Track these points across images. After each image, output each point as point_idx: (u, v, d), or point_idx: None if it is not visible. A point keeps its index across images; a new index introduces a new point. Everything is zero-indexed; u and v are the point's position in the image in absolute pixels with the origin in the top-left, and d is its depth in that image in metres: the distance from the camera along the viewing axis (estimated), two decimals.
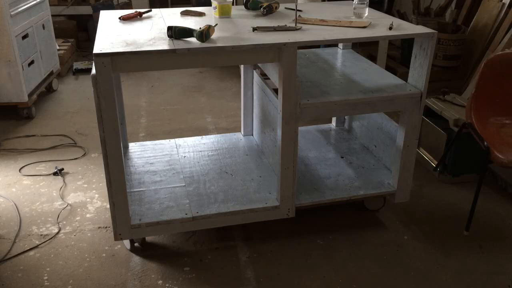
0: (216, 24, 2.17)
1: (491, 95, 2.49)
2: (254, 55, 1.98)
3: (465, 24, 4.23)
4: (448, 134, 2.82)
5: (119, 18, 2.35)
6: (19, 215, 2.54)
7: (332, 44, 2.92)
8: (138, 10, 2.42)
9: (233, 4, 2.43)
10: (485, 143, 2.27)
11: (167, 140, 2.88)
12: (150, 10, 2.49)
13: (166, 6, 5.86)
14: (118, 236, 2.12)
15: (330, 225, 2.48)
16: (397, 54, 4.53)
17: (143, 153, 2.72)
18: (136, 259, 2.24)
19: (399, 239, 2.40)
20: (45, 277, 2.13)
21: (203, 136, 2.94)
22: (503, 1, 3.82)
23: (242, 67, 2.87)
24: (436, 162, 2.91)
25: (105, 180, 1.99)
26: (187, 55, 1.90)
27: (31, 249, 2.30)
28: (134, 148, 2.79)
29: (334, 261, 2.24)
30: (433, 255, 2.30)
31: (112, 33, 2.07)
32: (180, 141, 2.87)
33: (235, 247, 2.33)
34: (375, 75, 2.43)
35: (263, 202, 2.28)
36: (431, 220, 2.54)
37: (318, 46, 3.30)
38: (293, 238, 2.38)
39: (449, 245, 2.36)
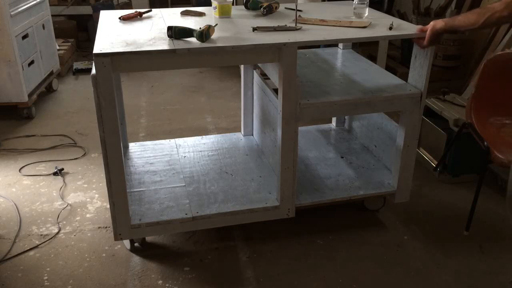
0: (216, 24, 2.17)
1: (491, 95, 2.48)
2: (254, 55, 1.98)
3: None
4: (448, 134, 2.81)
5: (119, 18, 2.35)
6: (19, 215, 2.54)
7: (332, 44, 2.92)
8: (138, 10, 2.42)
9: (233, 4, 2.43)
10: (485, 143, 2.27)
11: (167, 140, 2.88)
12: (150, 10, 2.49)
13: (166, 6, 5.85)
14: (118, 236, 2.12)
15: (330, 225, 2.48)
16: (397, 54, 4.53)
17: (143, 153, 2.72)
18: (136, 259, 2.24)
19: (399, 239, 2.40)
20: (45, 277, 2.13)
21: (203, 136, 2.94)
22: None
23: (242, 67, 2.86)
24: (436, 162, 2.91)
25: (105, 180, 1.99)
26: (187, 55, 1.90)
27: (31, 249, 2.30)
28: (134, 148, 2.79)
29: (334, 261, 2.24)
30: (433, 255, 2.29)
31: (112, 33, 2.07)
32: (180, 141, 2.87)
33: (235, 247, 2.33)
34: (375, 75, 2.43)
35: (263, 202, 2.28)
36: (431, 220, 2.54)
37: (318, 46, 3.30)
38: (293, 238, 2.38)
39: (449, 245, 2.36)
